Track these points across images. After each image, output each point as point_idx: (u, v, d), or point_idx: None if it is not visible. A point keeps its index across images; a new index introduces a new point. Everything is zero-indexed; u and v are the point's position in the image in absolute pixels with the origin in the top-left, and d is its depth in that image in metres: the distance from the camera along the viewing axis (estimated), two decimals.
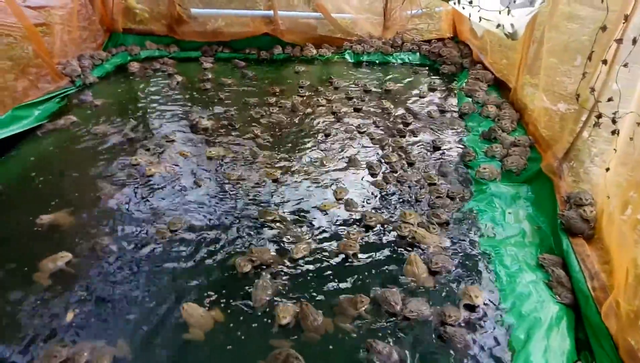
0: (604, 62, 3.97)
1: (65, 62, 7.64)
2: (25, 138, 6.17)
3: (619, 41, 3.80)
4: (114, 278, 4.13)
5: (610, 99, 3.69)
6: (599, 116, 4.00)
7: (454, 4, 5.42)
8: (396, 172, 5.54)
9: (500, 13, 4.59)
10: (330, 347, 3.57)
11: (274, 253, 4.40)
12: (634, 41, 3.44)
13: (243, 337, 3.62)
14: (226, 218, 4.85)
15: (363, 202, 5.12)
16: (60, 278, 4.12)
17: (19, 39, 7.22)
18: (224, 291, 4.03)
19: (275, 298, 3.93)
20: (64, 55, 7.83)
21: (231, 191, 5.26)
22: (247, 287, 4.03)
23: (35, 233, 4.60)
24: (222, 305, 3.88)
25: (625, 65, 3.54)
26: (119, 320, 3.75)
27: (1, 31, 7.14)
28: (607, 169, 3.91)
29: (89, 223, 4.75)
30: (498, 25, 4.74)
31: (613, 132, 3.73)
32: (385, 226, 4.74)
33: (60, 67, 7.52)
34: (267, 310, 3.84)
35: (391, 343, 3.53)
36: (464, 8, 5.18)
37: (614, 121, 3.69)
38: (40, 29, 7.46)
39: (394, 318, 3.77)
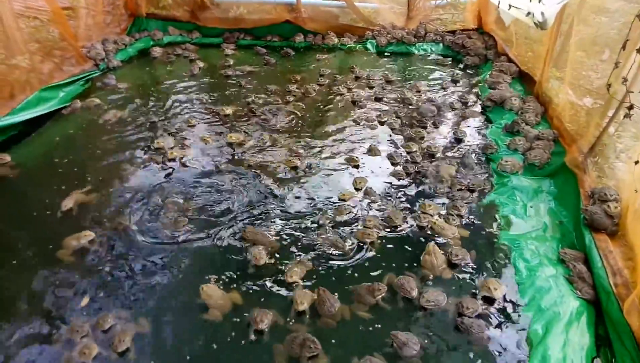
0: (639, 51, 3.86)
1: (89, 46, 7.74)
2: (51, 118, 6.30)
3: None
4: (135, 258, 4.20)
5: None
6: (630, 107, 3.90)
7: None
8: (416, 163, 5.50)
9: (530, 1, 4.49)
10: (347, 333, 3.59)
11: (272, 236, 4.45)
12: None
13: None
14: (246, 204, 4.89)
15: (382, 192, 5.10)
16: (83, 256, 4.21)
17: (45, 21, 7.31)
18: (239, 273, 4.08)
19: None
20: (89, 39, 7.95)
21: (250, 176, 5.28)
22: (264, 273, 4.09)
23: (59, 212, 4.69)
24: (240, 288, 3.93)
25: None
26: (140, 299, 3.83)
27: (29, 14, 7.24)
28: (637, 162, 3.80)
29: (112, 204, 4.84)
30: (528, 14, 4.63)
31: None
32: (404, 216, 4.71)
33: (85, 50, 7.63)
34: (285, 295, 3.89)
35: (409, 333, 3.53)
36: None
37: None
38: (66, 13, 7.54)
39: (411, 307, 3.77)
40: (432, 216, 4.67)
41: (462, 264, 4.15)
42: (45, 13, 7.15)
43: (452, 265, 4.14)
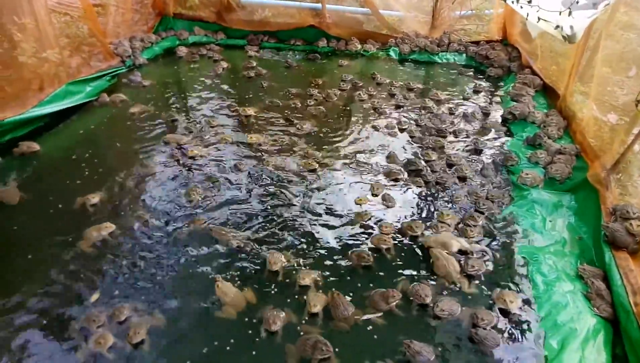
0: None
1: (117, 43, 7.88)
2: (76, 112, 6.43)
3: None
4: (153, 251, 4.28)
5: None
6: None
7: (512, 3, 5.27)
8: (435, 172, 5.48)
9: (560, 14, 4.45)
10: (359, 337, 3.60)
11: (234, 233, 4.48)
12: None
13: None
14: (262, 204, 4.93)
15: (400, 199, 5.09)
16: (103, 247, 4.30)
17: (76, 17, 7.47)
18: (255, 272, 4.13)
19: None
20: (116, 36, 8.08)
21: (269, 177, 5.33)
22: (278, 274, 4.11)
23: (81, 206, 4.79)
24: (254, 286, 3.96)
25: None
26: (156, 293, 3.89)
27: (60, 10, 7.41)
28: None
29: (133, 198, 4.93)
30: (557, 27, 4.59)
31: None
32: (421, 224, 4.69)
33: (113, 47, 7.76)
34: (299, 297, 3.91)
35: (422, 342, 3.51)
36: (522, 7, 5.04)
37: None
38: (96, 10, 7.70)
39: (425, 316, 3.76)
40: (449, 225, 4.65)
41: (478, 276, 4.12)
42: (77, 9, 7.30)
43: (468, 277, 4.11)
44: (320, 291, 3.94)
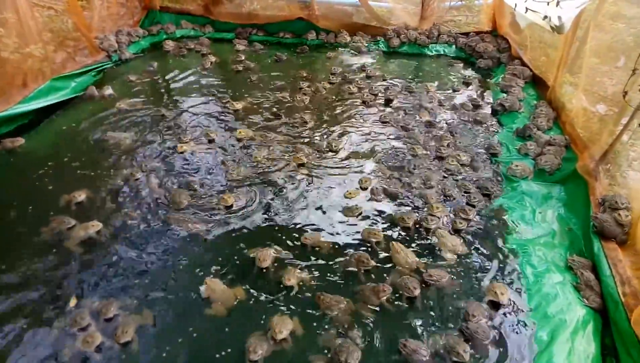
0: None
1: (102, 37, 7.78)
2: (62, 108, 6.35)
3: None
4: (141, 250, 4.22)
5: None
6: None
7: None
8: (424, 165, 5.45)
9: (548, 4, 4.43)
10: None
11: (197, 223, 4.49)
12: None
13: (264, 315, 3.64)
14: (252, 201, 4.88)
15: (389, 192, 5.06)
16: (90, 246, 4.24)
17: (60, 12, 7.36)
18: (244, 268, 4.08)
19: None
20: (102, 30, 7.99)
21: (258, 173, 5.28)
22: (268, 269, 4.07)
23: (67, 203, 4.71)
24: (243, 283, 3.93)
25: None
26: (144, 290, 3.84)
27: (44, 3, 7.29)
28: None
29: (120, 196, 4.86)
30: (545, 17, 4.57)
31: None
32: (412, 217, 4.67)
33: (98, 41, 7.67)
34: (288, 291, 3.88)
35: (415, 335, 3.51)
36: None
37: None
38: (80, 3, 7.58)
39: (415, 309, 3.76)
40: (439, 218, 4.64)
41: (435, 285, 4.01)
42: (60, 3, 7.20)
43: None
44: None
